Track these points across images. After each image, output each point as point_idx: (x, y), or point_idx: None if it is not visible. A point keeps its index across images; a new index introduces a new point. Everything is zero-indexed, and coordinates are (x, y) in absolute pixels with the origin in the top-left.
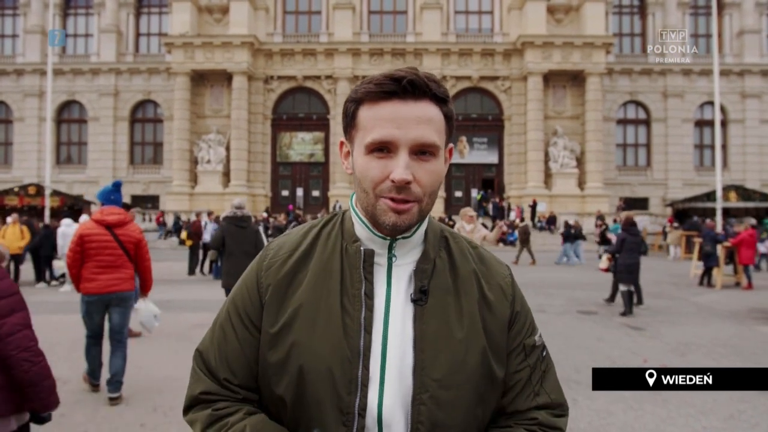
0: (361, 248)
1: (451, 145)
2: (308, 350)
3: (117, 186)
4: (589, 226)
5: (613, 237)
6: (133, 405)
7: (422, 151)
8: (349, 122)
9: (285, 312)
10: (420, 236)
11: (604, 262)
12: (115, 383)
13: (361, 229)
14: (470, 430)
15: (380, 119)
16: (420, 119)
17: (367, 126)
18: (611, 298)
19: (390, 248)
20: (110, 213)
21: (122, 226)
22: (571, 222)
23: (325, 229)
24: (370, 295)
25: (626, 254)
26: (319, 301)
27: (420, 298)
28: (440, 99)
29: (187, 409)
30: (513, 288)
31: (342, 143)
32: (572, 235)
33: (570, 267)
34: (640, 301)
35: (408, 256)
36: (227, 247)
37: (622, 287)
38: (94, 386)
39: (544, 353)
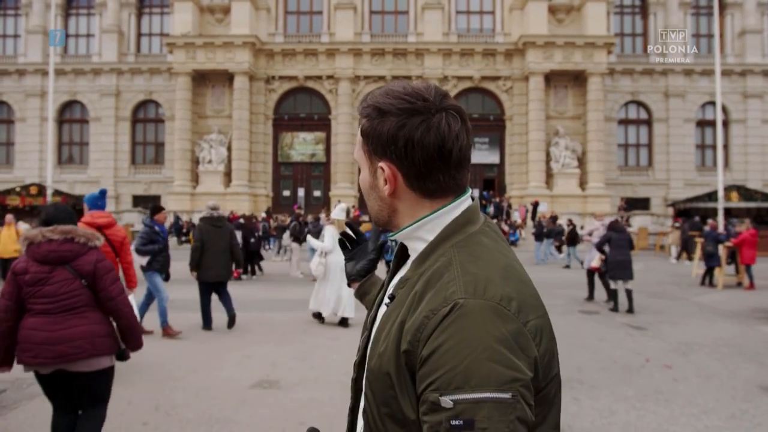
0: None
1: (381, 164)
2: None
3: (103, 193)
4: (590, 226)
5: (583, 234)
6: (135, 404)
7: None
8: None
9: None
10: (415, 243)
11: (597, 261)
12: None
13: None
14: None
15: None
16: None
17: None
18: (609, 299)
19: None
20: (99, 216)
21: (110, 228)
22: (544, 221)
23: None
24: (386, 284)
25: (616, 251)
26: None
27: (387, 303)
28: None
29: None
30: (433, 328)
31: None
32: (543, 233)
33: (566, 267)
34: (616, 307)
35: (410, 262)
36: (205, 244)
37: (621, 284)
38: None
39: (456, 423)
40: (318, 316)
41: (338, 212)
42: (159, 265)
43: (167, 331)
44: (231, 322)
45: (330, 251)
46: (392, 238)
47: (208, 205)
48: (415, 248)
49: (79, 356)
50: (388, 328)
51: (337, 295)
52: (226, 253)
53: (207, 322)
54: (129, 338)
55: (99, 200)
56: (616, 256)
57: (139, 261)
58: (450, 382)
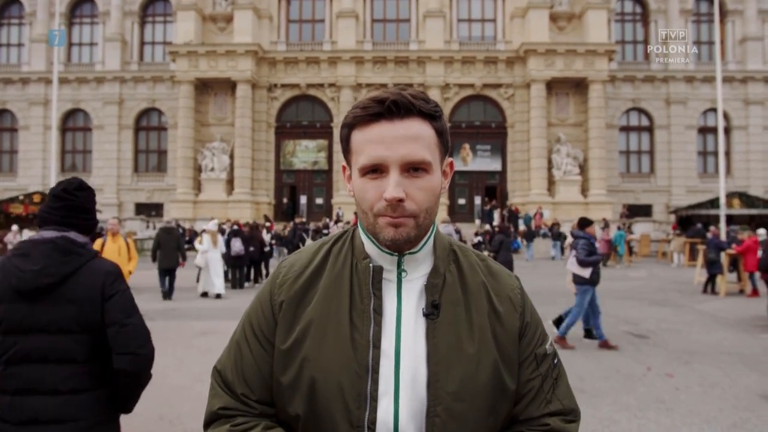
0: (371, 265)
1: (450, 159)
2: (318, 365)
3: None
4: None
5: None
6: (139, 414)
7: (414, 168)
8: (345, 147)
9: (296, 328)
10: (428, 251)
11: None
12: None
13: (370, 247)
14: None
15: (369, 141)
16: (407, 137)
17: (359, 149)
18: None
19: (399, 264)
20: None
21: None
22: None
23: (335, 246)
24: (378, 311)
25: (506, 252)
26: (329, 318)
27: (432, 312)
28: (429, 115)
29: (207, 424)
30: (523, 299)
31: (344, 167)
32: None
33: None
34: None
35: (417, 271)
36: (161, 245)
37: None
38: None
39: (556, 361)
40: (205, 295)
41: (212, 225)
42: (597, 276)
43: (560, 341)
44: (168, 296)
45: (206, 251)
46: (429, 246)
47: (167, 220)
48: (420, 256)
49: None
50: (466, 327)
51: (216, 279)
52: (175, 251)
53: (165, 295)
54: None
55: None
56: (507, 257)
57: (580, 273)
58: (544, 333)
